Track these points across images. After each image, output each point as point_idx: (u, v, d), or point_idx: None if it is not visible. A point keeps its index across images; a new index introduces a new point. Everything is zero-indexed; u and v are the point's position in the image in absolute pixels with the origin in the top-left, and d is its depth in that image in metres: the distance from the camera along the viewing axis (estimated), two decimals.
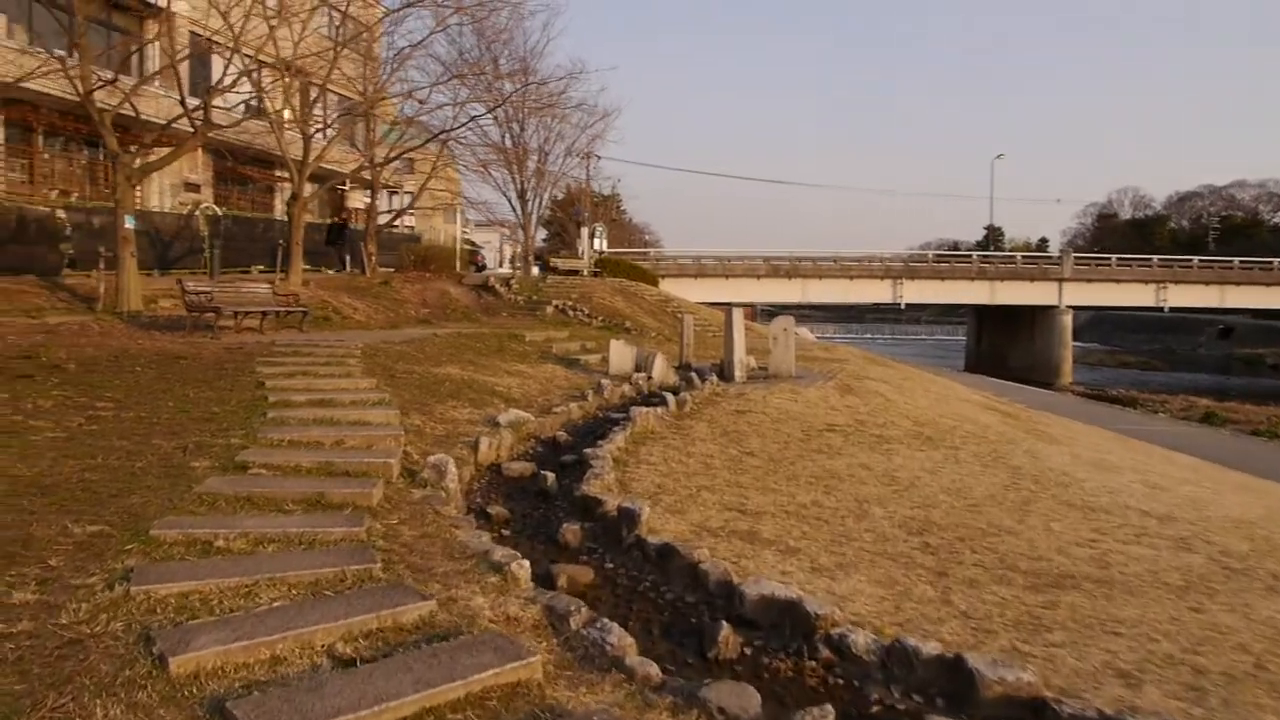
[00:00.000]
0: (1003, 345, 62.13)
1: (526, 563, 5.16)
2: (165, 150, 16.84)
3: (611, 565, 5.96)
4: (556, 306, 27.80)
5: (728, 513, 7.27)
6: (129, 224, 15.51)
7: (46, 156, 26.61)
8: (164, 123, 15.69)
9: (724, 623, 4.82)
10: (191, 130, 15.90)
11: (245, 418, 8.17)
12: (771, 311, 61.14)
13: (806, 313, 72.75)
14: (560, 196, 59.24)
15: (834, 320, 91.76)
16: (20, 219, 22.36)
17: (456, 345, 15.66)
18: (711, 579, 5.40)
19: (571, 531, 6.45)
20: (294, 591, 4.54)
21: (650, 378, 14.08)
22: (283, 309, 15.47)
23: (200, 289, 13.97)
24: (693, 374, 14.55)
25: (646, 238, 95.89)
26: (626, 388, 13.20)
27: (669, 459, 8.97)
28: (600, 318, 27.19)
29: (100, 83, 14.74)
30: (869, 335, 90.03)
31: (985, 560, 6.65)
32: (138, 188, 29.29)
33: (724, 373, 15.57)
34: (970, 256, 65.73)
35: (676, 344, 23.68)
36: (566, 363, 16.37)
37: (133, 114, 15.94)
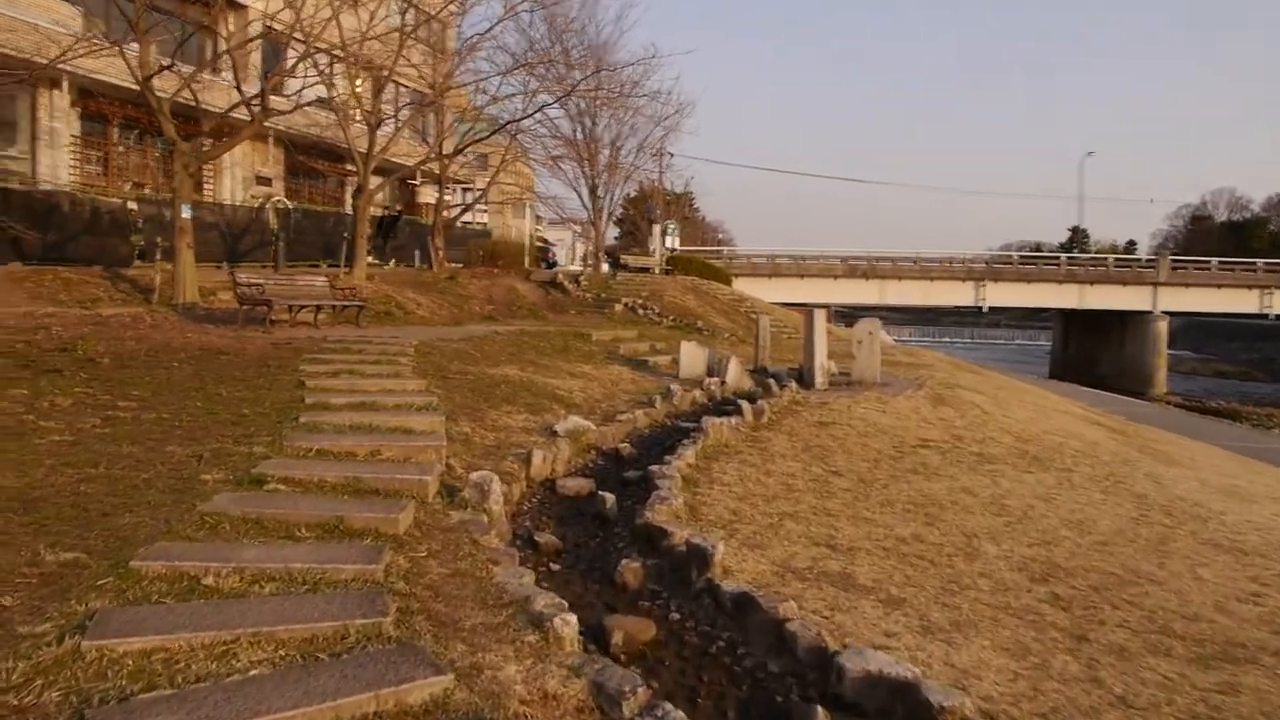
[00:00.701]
0: (1091, 352, 59.29)
1: (573, 619, 4.18)
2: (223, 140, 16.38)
3: (678, 616, 4.95)
4: (625, 304, 26.89)
5: (816, 548, 6.19)
6: (186, 214, 15.04)
7: (121, 149, 26.64)
8: (221, 111, 15.17)
9: (819, 708, 3.78)
10: (249, 119, 15.36)
11: (275, 422, 7.37)
12: (845, 313, 59.47)
13: (882, 315, 70.67)
14: (632, 194, 58.40)
15: (909, 323, 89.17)
16: (94, 211, 22.33)
17: (518, 344, 14.82)
18: (801, 644, 4.35)
19: (631, 570, 5.46)
20: (280, 653, 3.63)
21: (724, 382, 13.02)
22: (338, 303, 14.82)
23: (253, 281, 13.39)
24: (770, 380, 13.45)
25: (719, 236, 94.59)
26: (698, 393, 12.16)
27: (746, 478, 7.92)
28: (670, 317, 26.20)
29: (158, 69, 14.25)
30: (947, 339, 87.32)
31: (1131, 619, 5.46)
32: (209, 181, 29.31)
33: (803, 379, 14.42)
34: (1058, 258, 62.79)
35: (751, 346, 22.57)
36: (634, 364, 15.40)
37: (193, 103, 15.48)
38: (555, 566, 5.71)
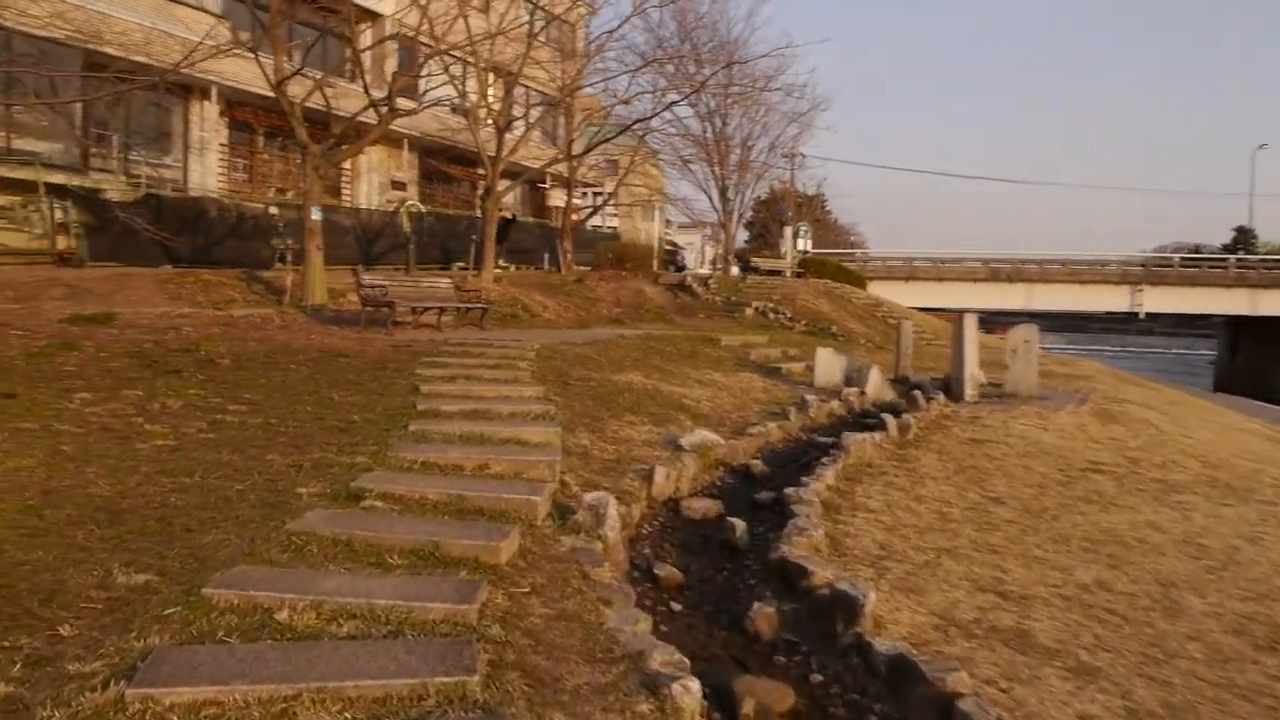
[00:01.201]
0: (1264, 363, 54.40)
1: (695, 685, 3.45)
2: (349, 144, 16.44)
3: (820, 678, 4.15)
4: (756, 309, 25.99)
5: (981, 594, 5.27)
6: (316, 216, 15.11)
7: (266, 157, 27.56)
8: (349, 115, 15.17)
9: None
10: (376, 121, 15.32)
11: (383, 430, 6.94)
12: (987, 319, 56.54)
13: (1021, 320, 66.78)
14: (763, 196, 57.27)
15: (1054, 330, 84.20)
16: (239, 215, 23.07)
17: (644, 348, 14.20)
18: None
19: (764, 615, 4.69)
20: (345, 717, 3.05)
21: (863, 393, 12.05)
22: (462, 305, 14.56)
23: (376, 283, 13.24)
24: (913, 390, 12.37)
25: (852, 239, 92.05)
26: (835, 405, 11.24)
27: (893, 504, 7.01)
28: (803, 321, 25.15)
29: (290, 74, 14.33)
30: (1095, 346, 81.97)
31: None
32: (347, 185, 30.04)
33: (950, 390, 13.27)
34: (1225, 260, 58.05)
35: (889, 353, 21.33)
36: (765, 372, 14.56)
37: (325, 108, 15.56)
38: (677, 606, 4.99)
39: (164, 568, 4.20)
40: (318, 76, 15.16)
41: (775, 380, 13.83)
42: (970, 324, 12.90)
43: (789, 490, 6.65)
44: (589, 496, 5.59)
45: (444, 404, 7.94)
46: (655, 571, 5.37)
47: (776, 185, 52.59)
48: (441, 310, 14.03)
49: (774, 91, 29.44)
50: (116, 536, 4.53)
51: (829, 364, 13.65)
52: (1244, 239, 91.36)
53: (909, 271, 55.25)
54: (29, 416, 6.53)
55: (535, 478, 6.14)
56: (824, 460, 7.72)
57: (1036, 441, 10.03)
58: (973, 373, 12.70)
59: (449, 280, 15.33)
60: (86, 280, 14.84)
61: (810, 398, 10.97)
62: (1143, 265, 54.58)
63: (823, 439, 9.51)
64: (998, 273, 54.33)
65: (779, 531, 5.98)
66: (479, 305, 14.75)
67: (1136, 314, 53.02)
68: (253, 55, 14.50)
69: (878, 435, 9.04)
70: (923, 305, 43.05)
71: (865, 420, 10.82)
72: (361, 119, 15.95)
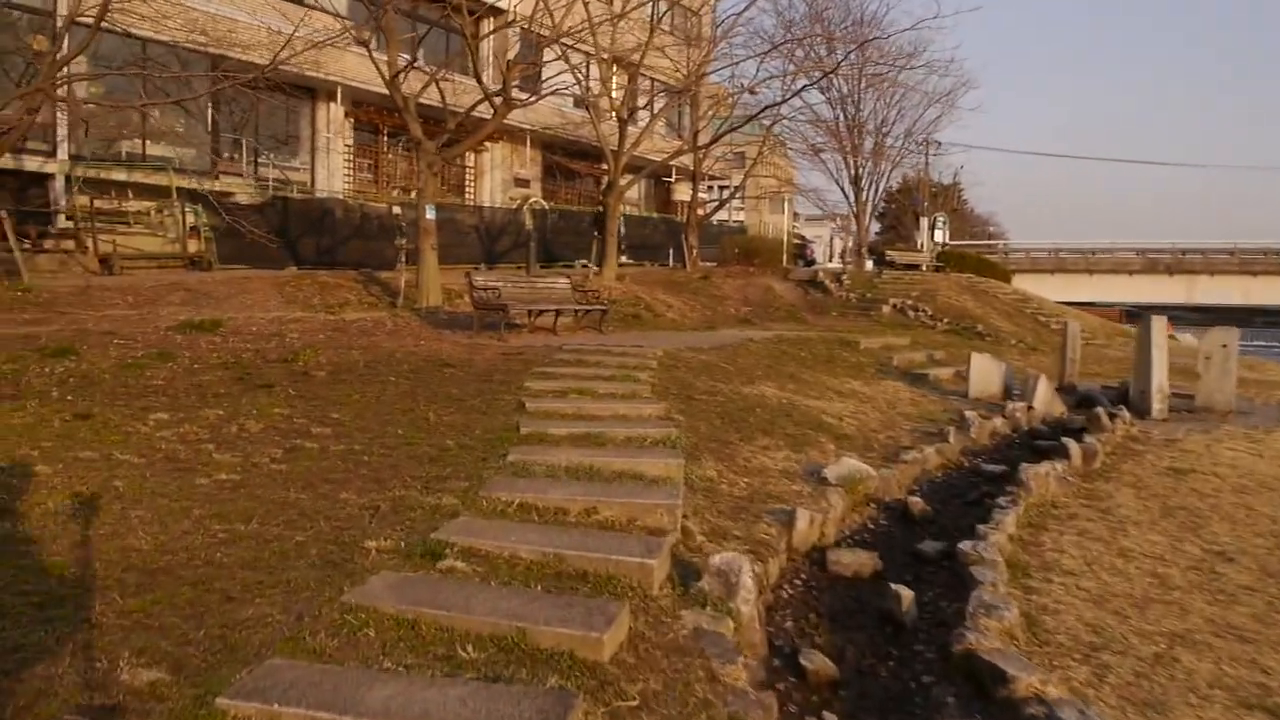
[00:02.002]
0: None
1: None
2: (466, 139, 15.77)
3: None
4: (894, 306, 24.29)
5: (1248, 714, 3.90)
6: (430, 215, 14.51)
7: (390, 157, 27.53)
8: (462, 111, 14.49)
9: None
10: (492, 112, 14.59)
11: (479, 459, 6.02)
12: (1134, 314, 52.31)
13: (1173, 315, 61.08)
14: (894, 187, 54.75)
15: (1203, 325, 77.23)
16: (363, 216, 23.00)
17: (776, 353, 12.99)
18: None
19: None
20: None
21: (1031, 407, 10.51)
22: (580, 307, 13.67)
23: (489, 284, 12.47)
24: (1091, 405, 10.74)
25: (990, 230, 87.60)
26: (999, 422, 9.77)
27: (1094, 562, 5.63)
28: (945, 320, 23.30)
29: (404, 67, 13.74)
30: (1261, 342, 74.59)
31: None
32: (470, 183, 29.82)
33: (1129, 402, 11.56)
34: None
35: (1045, 355, 19.41)
36: (910, 379, 13.11)
37: (440, 104, 14.94)
38: (829, 716, 3.83)
39: (182, 659, 3.33)
40: (431, 71, 14.53)
41: (922, 389, 12.39)
42: (1159, 327, 11.14)
43: (965, 547, 5.35)
44: (718, 560, 4.48)
45: (551, 426, 6.97)
46: (801, 661, 4.21)
47: (909, 175, 50.12)
48: (558, 313, 13.17)
49: (916, 69, 27.37)
50: (140, 609, 3.71)
51: (985, 371, 12.12)
52: None
53: (1055, 263, 51.87)
54: (95, 443, 5.90)
55: (652, 526, 5.08)
56: (1002, 504, 6.36)
57: (1252, 472, 8.34)
58: (1161, 383, 10.96)
59: (567, 280, 14.48)
60: (208, 284, 14.69)
61: (970, 414, 9.53)
62: None
63: (990, 466, 8.11)
64: (1155, 264, 50.37)
65: (955, 602, 4.75)
66: (598, 307, 13.82)
67: None
68: (364, 49, 13.96)
69: (1059, 465, 7.58)
70: (1070, 299, 40.02)
71: (1036, 442, 9.33)
72: (476, 113, 15.26)
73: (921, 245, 43.22)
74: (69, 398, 6.90)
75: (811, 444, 7.86)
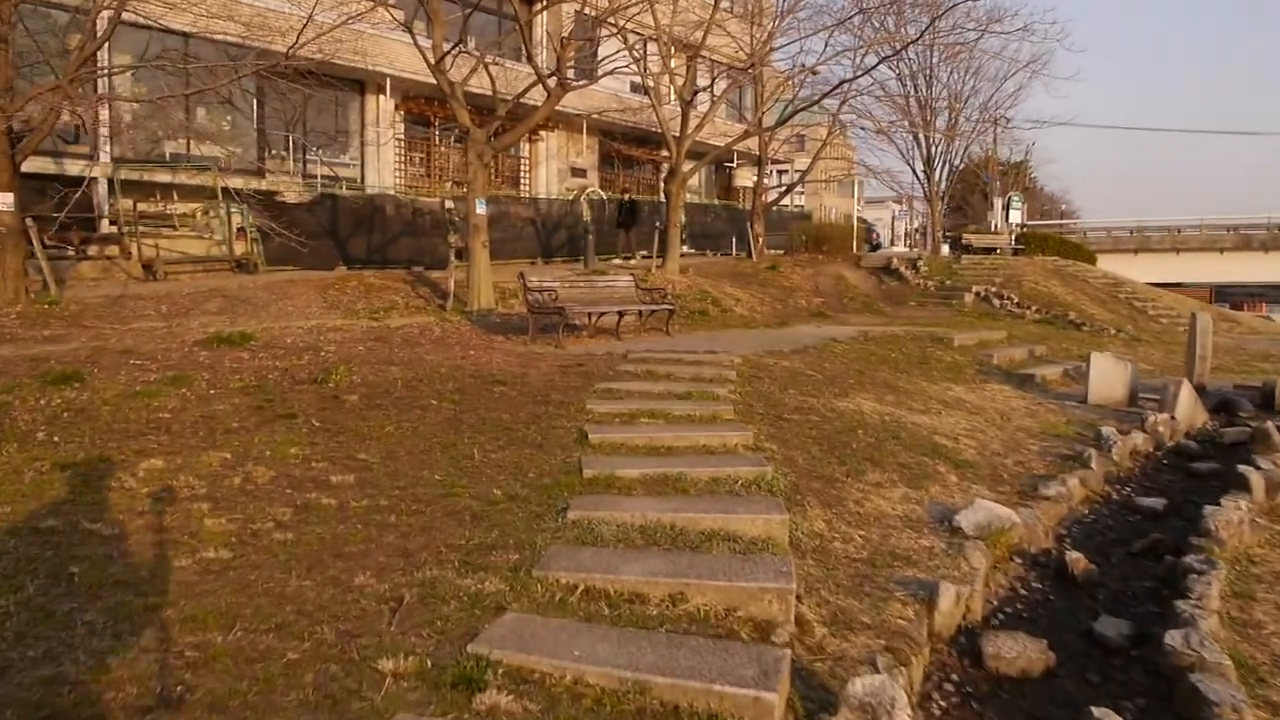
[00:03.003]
0: None
1: None
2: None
3: None
4: (977, 294, 22.63)
5: None
6: (481, 210, 13.40)
7: (443, 149, 26.58)
8: (510, 98, 13.34)
9: None
10: (546, 95, 13.38)
11: (533, 516, 4.87)
12: (1231, 294, 49.27)
13: (1256, 293, 57.08)
14: (960, 166, 52.49)
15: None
16: (415, 212, 22.09)
17: (864, 355, 11.65)
18: None
19: None
20: None
21: (1174, 419, 9.01)
22: (645, 307, 12.46)
23: (544, 285, 11.30)
24: (1230, 409, 9.22)
25: (1062, 208, 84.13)
26: (1139, 438, 8.31)
27: None
28: (1033, 307, 21.57)
29: (449, 49, 12.63)
30: None
31: None
32: (525, 174, 28.77)
33: (1276, 406, 10.01)
34: None
35: (1153, 347, 17.69)
36: (1016, 381, 11.67)
37: (489, 92, 13.81)
38: None
39: None
40: (478, 54, 13.41)
41: (1032, 393, 10.95)
42: None
43: (1174, 642, 3.99)
44: (860, 687, 3.23)
45: (619, 464, 5.78)
46: None
47: (975, 153, 47.76)
48: (621, 314, 11.97)
49: (1007, 33, 25.31)
50: None
51: (1107, 373, 10.63)
52: None
53: (1139, 242, 49.23)
54: (65, 506, 4.85)
55: (760, 619, 3.87)
56: (1192, 563, 4.97)
57: None
58: None
59: (629, 278, 13.26)
60: (248, 289, 13.81)
61: (1107, 430, 8.09)
62: None
63: (1145, 501, 6.71)
64: (1249, 240, 47.41)
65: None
66: (664, 306, 12.60)
67: None
68: (406, 30, 12.88)
69: (1242, 502, 6.16)
70: (1157, 281, 37.62)
71: (1192, 465, 7.88)
72: (528, 100, 14.12)
73: (995, 226, 41.09)
74: (56, 439, 5.90)
75: (930, 476, 6.55)
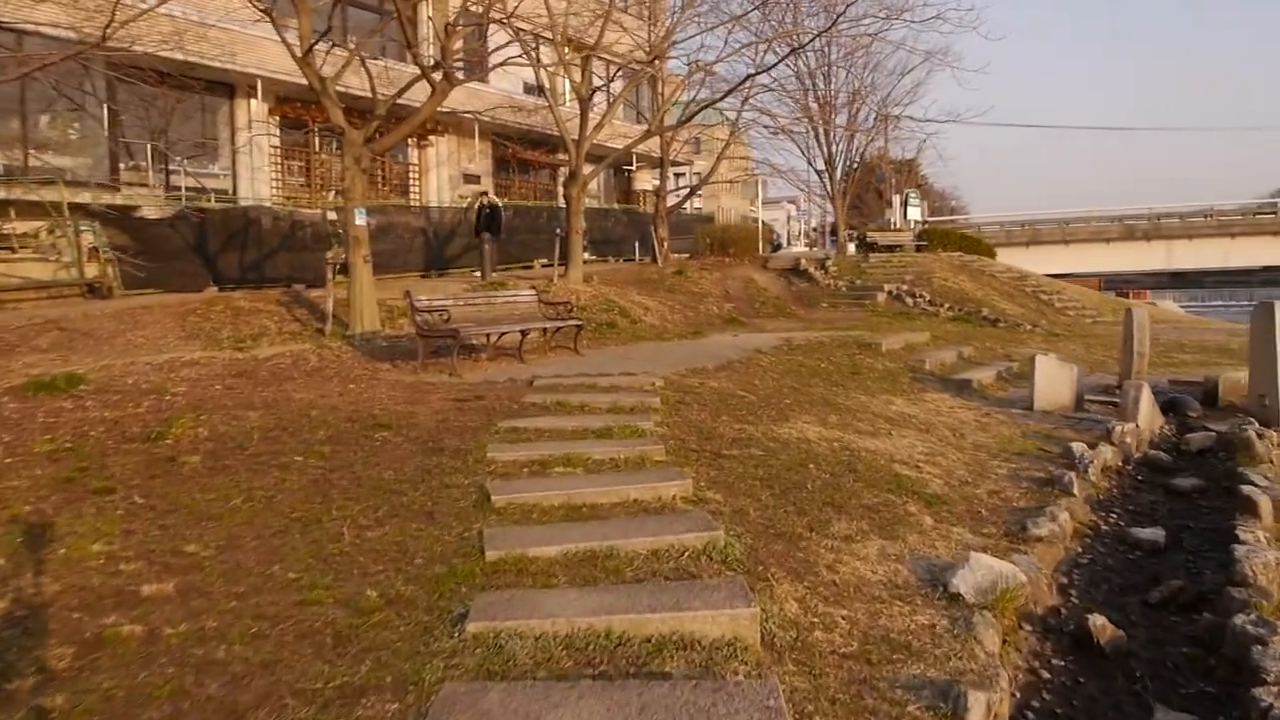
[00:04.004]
0: None
1: None
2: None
3: None
4: (889, 292, 22.10)
5: None
6: (360, 220, 11.91)
7: (324, 157, 24.76)
8: (387, 97, 11.90)
9: None
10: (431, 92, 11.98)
11: (421, 631, 3.61)
12: (1114, 283, 50.83)
13: (1148, 282, 59.19)
14: (855, 166, 52.74)
15: (1159, 288, 74.97)
16: (293, 224, 20.25)
17: (792, 368, 10.67)
18: None
19: None
20: None
21: (1138, 427, 8.25)
22: (549, 324, 11.19)
23: (434, 304, 9.93)
24: (1181, 410, 8.55)
25: (952, 205, 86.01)
26: (1107, 452, 7.48)
27: None
28: (947, 305, 21.14)
29: (316, 39, 11.12)
30: (1237, 303, 72.46)
31: None
32: (415, 181, 27.12)
33: (1220, 404, 9.44)
34: None
35: (1070, 342, 17.32)
36: (954, 388, 10.87)
37: (369, 92, 12.33)
38: None
39: None
40: (355, 47, 11.95)
41: (974, 401, 10.15)
42: None
43: None
44: None
45: (532, 539, 4.55)
46: None
47: (871, 152, 47.87)
48: (524, 333, 10.70)
49: (910, 23, 24.78)
50: None
51: (1053, 377, 9.89)
52: None
53: (1030, 235, 50.27)
54: None
55: None
56: (1252, 633, 4.03)
57: None
58: None
59: (531, 292, 11.93)
60: (94, 319, 12.01)
61: (1079, 448, 7.25)
62: None
63: (1141, 533, 5.82)
64: (1133, 230, 48.90)
65: None
66: (572, 322, 11.37)
67: None
68: (266, 16, 11.31)
69: (1258, 532, 5.31)
70: (1048, 272, 38.26)
71: (1173, 482, 7.08)
72: (409, 100, 12.73)
73: (895, 224, 41.17)
74: None
75: (902, 520, 5.52)
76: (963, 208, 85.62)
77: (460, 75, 12.69)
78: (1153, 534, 5.77)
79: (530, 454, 6.02)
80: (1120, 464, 7.56)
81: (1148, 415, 8.56)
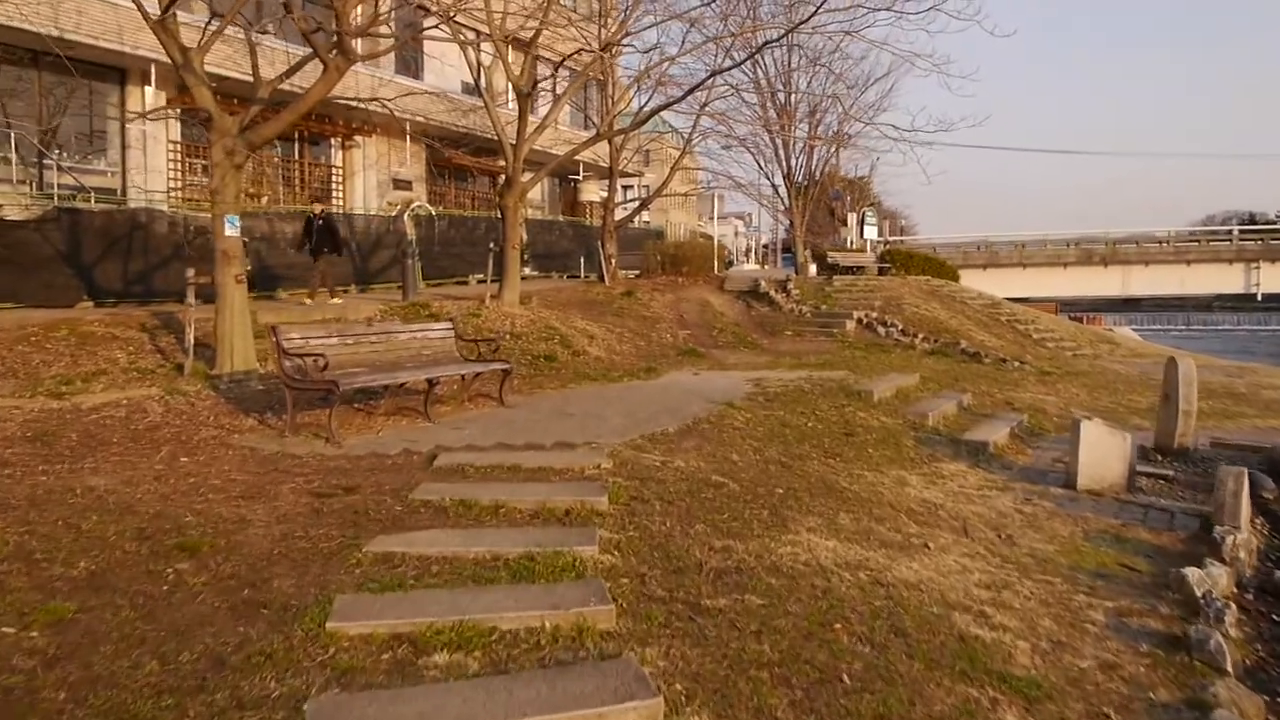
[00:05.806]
0: None
1: None
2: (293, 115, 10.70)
3: None
4: (859, 320, 20.12)
5: None
6: (230, 231, 9.42)
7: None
8: (270, 81, 9.52)
9: None
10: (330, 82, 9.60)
11: None
12: (1070, 307, 49.94)
13: (1102, 307, 58.66)
14: (804, 181, 51.13)
15: (1120, 311, 74.35)
16: (195, 231, 17.53)
17: (775, 431, 8.50)
18: None
19: None
20: None
21: (1237, 528, 6.21)
22: (467, 369, 8.82)
23: (310, 346, 7.51)
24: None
25: (902, 223, 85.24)
26: (1221, 577, 5.41)
27: None
28: (921, 335, 19.19)
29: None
30: (1197, 329, 70.35)
31: None
32: (338, 185, 24.57)
33: None
34: None
35: (1066, 382, 15.45)
36: (968, 453, 8.81)
37: (248, 74, 9.93)
38: None
39: None
40: (227, 18, 9.51)
41: (999, 474, 8.12)
42: None
43: None
44: None
45: None
46: None
47: (828, 171, 46.26)
48: (431, 383, 8.30)
49: (906, 14, 22.90)
50: None
51: (1100, 448, 7.85)
52: None
53: (988, 257, 49.19)
54: None
55: None
56: None
57: None
58: None
59: (447, 325, 9.50)
60: None
61: (1195, 577, 5.16)
62: (1260, 240, 47.70)
63: None
64: (1090, 255, 48.08)
65: None
66: (498, 365, 9.04)
67: (1255, 294, 46.27)
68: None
69: None
70: (1007, 296, 36.94)
71: None
72: (288, 85, 10.35)
73: (851, 243, 39.50)
74: None
75: None
76: (912, 227, 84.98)
77: (358, 50, 10.30)
78: None
79: (398, 620, 3.72)
80: (1233, 589, 5.51)
81: (1248, 514, 6.56)
